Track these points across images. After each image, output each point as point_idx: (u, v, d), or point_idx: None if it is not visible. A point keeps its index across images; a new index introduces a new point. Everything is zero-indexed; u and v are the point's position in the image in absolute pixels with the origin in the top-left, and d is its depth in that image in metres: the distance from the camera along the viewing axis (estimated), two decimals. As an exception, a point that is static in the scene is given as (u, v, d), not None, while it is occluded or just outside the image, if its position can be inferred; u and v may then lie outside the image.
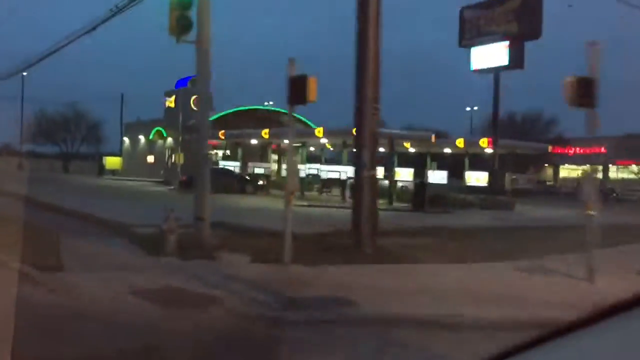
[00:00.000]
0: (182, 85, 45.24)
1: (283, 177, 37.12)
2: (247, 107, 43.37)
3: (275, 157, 44.53)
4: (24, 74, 59.81)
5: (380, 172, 38.29)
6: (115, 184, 38.93)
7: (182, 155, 39.38)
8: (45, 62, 24.96)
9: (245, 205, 24.24)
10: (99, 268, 8.90)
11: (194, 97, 45.25)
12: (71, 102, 69.14)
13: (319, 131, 27.87)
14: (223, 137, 34.84)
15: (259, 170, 36.94)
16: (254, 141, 36.52)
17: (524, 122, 49.11)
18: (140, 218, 15.72)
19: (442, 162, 38.37)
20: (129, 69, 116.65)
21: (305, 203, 26.67)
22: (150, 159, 52.43)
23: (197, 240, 10.80)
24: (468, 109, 68.58)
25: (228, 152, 40.96)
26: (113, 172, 58.18)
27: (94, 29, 19.30)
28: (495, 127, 27.78)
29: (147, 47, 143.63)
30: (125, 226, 13.94)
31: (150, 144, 52.95)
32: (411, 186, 31.62)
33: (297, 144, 41.03)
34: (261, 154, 43.17)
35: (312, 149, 40.54)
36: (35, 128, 69.03)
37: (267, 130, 32.81)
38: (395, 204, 25.99)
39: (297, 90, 9.35)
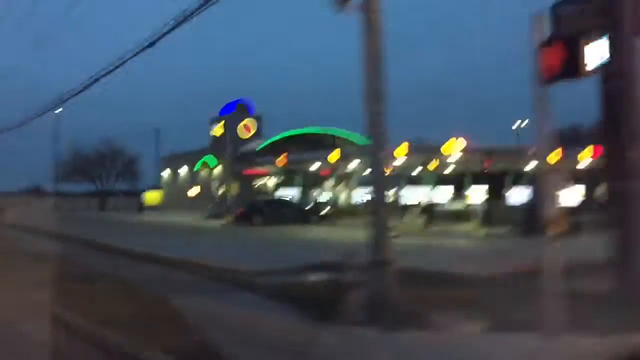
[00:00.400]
0: (229, 111, 42.43)
1: (351, 205, 33.73)
2: (298, 131, 40.25)
3: (329, 183, 41.28)
4: (59, 110, 58.11)
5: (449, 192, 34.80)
6: (163, 221, 35.78)
7: (236, 186, 36.25)
8: (75, 99, 23.05)
9: (330, 237, 20.75)
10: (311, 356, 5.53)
11: (243, 122, 42.43)
12: (106, 138, 66.82)
13: (402, 149, 24.39)
14: (284, 163, 31.61)
15: (322, 199, 33.53)
16: (315, 166, 33.22)
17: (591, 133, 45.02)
18: (233, 260, 12.51)
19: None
20: (159, 103, 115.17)
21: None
22: (193, 192, 49.53)
23: (377, 295, 7.36)
24: (516, 123, 64.64)
25: (279, 179, 37.66)
26: (153, 207, 55.40)
27: (153, 43, 16.59)
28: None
29: (177, 80, 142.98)
30: (232, 273, 10.64)
31: (192, 176, 50.16)
32: (481, 208, 28.30)
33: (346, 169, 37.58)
34: (314, 181, 39.78)
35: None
36: (70, 166, 66.73)
37: (337, 151, 29.39)
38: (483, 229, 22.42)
39: (558, 59, 5.99)
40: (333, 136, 40.77)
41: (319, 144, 38.71)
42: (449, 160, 27.02)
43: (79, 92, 24.35)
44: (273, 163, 33.94)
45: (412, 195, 32.49)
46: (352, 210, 32.48)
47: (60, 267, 11.17)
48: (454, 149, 23.00)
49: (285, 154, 31.94)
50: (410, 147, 24.48)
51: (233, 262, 12.03)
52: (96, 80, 22.02)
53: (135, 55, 17.71)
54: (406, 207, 28.57)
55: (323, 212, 31.00)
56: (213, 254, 14.23)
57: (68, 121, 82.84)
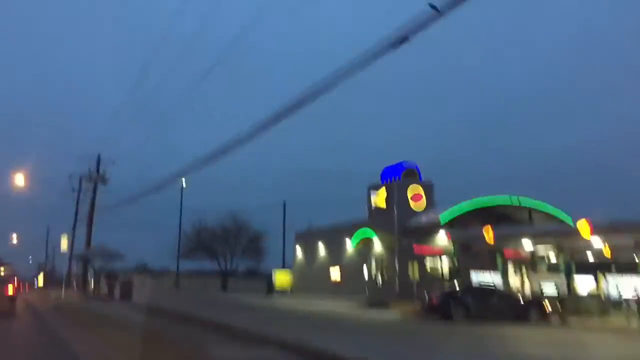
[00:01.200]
0: (392, 176, 35.13)
1: (584, 298, 24.71)
2: (485, 202, 31.94)
3: (511, 268, 32.23)
4: (183, 185, 53.83)
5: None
6: (312, 309, 28.21)
7: (416, 268, 28.39)
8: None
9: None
10: None
11: (412, 191, 34.84)
12: (230, 212, 61.94)
13: None
14: (492, 241, 23.62)
15: (546, 289, 24.73)
16: (528, 244, 24.79)
17: None
18: None
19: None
20: (287, 173, 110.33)
21: None
22: (335, 273, 42.11)
23: None
24: None
25: (457, 259, 29.27)
26: (283, 290, 48.49)
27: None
28: None
29: (305, 148, 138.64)
30: None
31: (332, 255, 43.03)
32: None
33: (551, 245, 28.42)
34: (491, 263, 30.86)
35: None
36: (194, 243, 62.12)
37: (585, 223, 20.94)
38: None
39: None
40: (529, 209, 32.11)
41: (510, 218, 30.35)
42: None
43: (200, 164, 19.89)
44: (472, 239, 25.87)
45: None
46: (584, 306, 23.48)
47: None
48: None
49: (490, 229, 23.87)
50: None
51: None
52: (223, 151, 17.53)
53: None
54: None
55: (545, 307, 22.31)
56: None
57: (189, 198, 79.79)
